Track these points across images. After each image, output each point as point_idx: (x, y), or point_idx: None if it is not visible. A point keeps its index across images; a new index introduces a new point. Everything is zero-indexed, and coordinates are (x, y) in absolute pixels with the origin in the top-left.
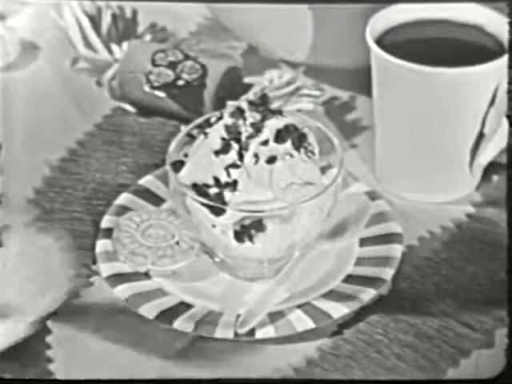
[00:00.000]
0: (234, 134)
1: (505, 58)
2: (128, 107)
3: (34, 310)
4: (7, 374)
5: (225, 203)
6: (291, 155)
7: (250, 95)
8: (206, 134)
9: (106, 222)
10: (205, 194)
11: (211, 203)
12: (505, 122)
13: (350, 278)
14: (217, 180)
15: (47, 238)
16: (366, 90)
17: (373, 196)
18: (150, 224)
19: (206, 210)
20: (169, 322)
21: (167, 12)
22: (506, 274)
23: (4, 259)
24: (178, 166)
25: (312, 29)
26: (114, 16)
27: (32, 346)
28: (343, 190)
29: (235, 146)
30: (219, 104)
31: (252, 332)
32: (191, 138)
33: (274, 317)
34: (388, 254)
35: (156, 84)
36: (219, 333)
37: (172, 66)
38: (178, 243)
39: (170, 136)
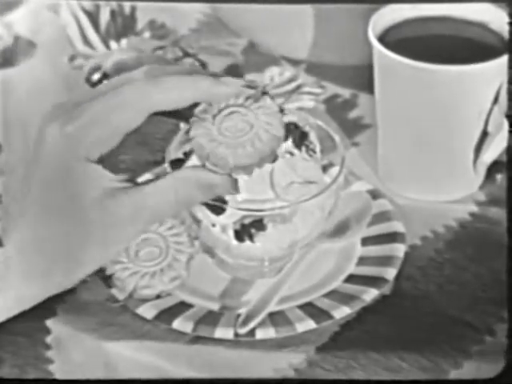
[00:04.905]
0: None
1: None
2: None
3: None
4: (7, 375)
5: (225, 202)
6: (292, 153)
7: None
8: None
9: None
10: None
11: (211, 202)
12: (506, 122)
13: (351, 278)
14: None
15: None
16: (368, 87)
17: (375, 195)
18: (143, 239)
19: (205, 209)
20: (168, 322)
21: (166, 8)
22: (506, 274)
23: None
24: (177, 164)
25: (313, 26)
26: (112, 13)
27: (32, 346)
28: (345, 189)
29: None
30: None
31: (252, 332)
32: None
33: (275, 317)
34: (390, 253)
35: None
36: (219, 333)
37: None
38: (164, 270)
39: (169, 134)
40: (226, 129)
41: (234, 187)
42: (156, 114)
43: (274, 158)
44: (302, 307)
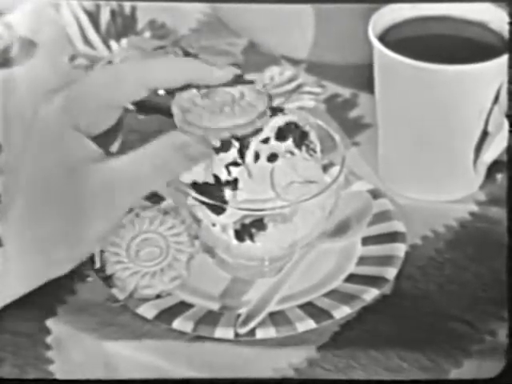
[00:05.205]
0: None
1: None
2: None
3: None
4: (7, 375)
5: (225, 202)
6: (292, 153)
7: None
8: None
9: None
10: (205, 193)
11: (211, 202)
12: (506, 122)
13: (352, 278)
14: (217, 178)
15: None
16: (369, 87)
17: (375, 194)
18: (144, 239)
19: (205, 209)
20: (168, 321)
21: (167, 8)
22: (506, 274)
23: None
24: None
25: (313, 26)
26: (112, 12)
27: (32, 346)
28: (345, 189)
29: (236, 143)
30: None
31: (252, 332)
32: None
33: (275, 317)
34: (391, 253)
35: None
36: (219, 333)
37: None
38: (165, 269)
39: None
40: (208, 97)
41: (208, 148)
42: (156, 113)
43: (252, 132)
44: (302, 307)
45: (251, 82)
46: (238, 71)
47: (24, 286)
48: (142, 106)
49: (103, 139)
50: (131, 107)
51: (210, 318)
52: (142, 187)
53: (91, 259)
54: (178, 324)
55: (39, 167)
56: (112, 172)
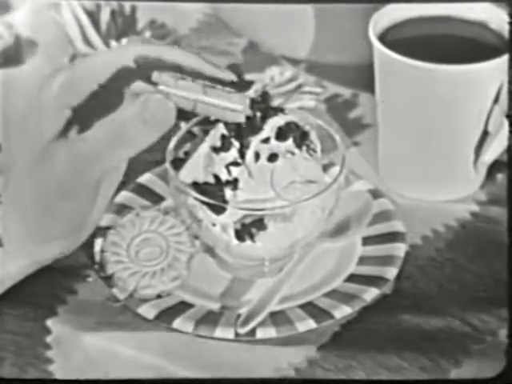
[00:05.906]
0: (234, 131)
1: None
2: None
3: None
4: (7, 374)
5: (225, 202)
6: (292, 153)
7: (251, 92)
8: (206, 132)
9: (104, 220)
10: (205, 193)
11: (212, 202)
12: (506, 122)
13: (352, 278)
14: (217, 178)
15: None
16: (369, 87)
17: (375, 194)
18: (144, 238)
19: (206, 209)
20: (168, 321)
21: (167, 8)
22: (506, 274)
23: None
24: (177, 163)
25: (314, 26)
26: (113, 12)
27: (32, 346)
28: (345, 189)
29: (236, 143)
30: None
31: (253, 332)
32: (191, 135)
33: (275, 317)
34: (391, 253)
35: None
36: (219, 333)
37: None
38: (165, 269)
39: (170, 133)
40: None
41: (168, 116)
42: None
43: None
44: (302, 307)
45: (249, 84)
46: (234, 78)
47: (19, 269)
48: None
49: None
50: None
51: (211, 318)
52: (104, 158)
53: (92, 259)
54: (178, 324)
55: (33, 145)
56: (75, 146)
